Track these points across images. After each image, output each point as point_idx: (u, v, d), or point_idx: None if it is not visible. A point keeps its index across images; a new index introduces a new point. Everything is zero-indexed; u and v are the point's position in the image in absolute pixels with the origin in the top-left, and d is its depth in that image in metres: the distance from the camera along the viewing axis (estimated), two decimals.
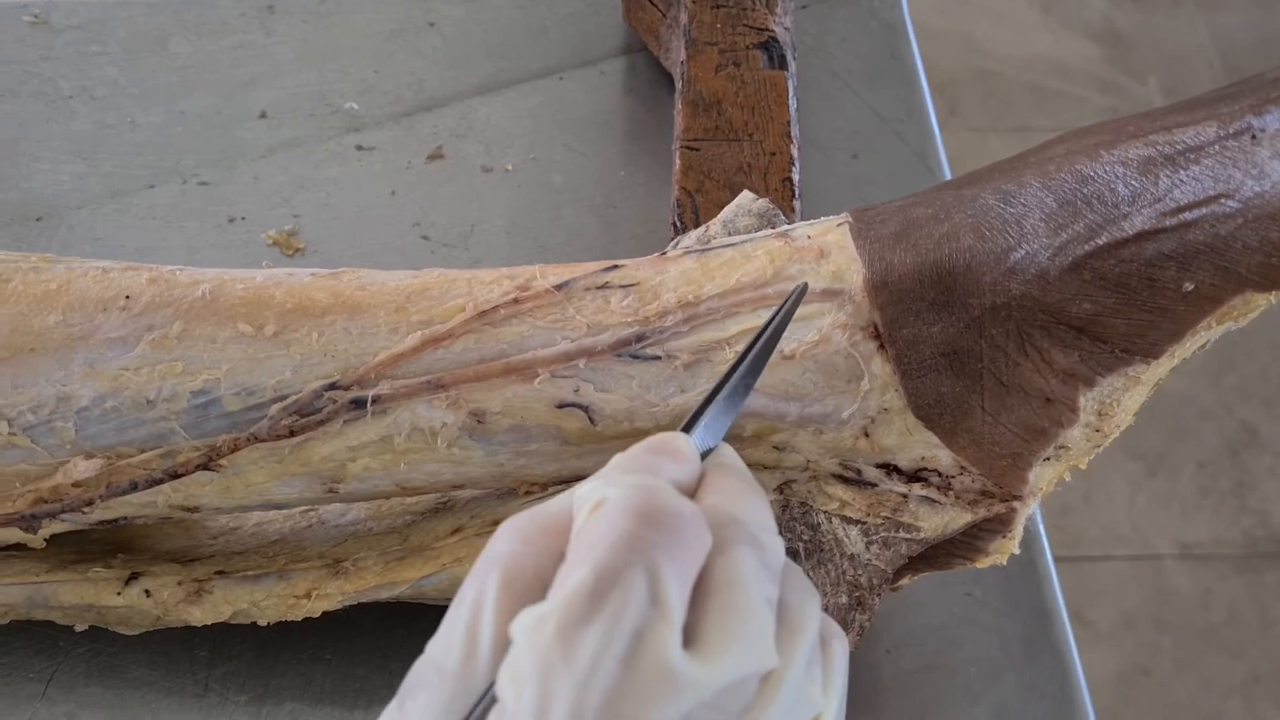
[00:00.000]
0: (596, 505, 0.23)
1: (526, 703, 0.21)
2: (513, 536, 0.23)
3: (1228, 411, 1.31)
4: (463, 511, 0.35)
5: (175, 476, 0.32)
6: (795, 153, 0.42)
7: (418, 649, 0.39)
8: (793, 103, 0.43)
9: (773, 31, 0.45)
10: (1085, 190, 0.27)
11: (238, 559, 0.35)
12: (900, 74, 0.54)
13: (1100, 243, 0.27)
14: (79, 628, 0.36)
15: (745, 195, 0.39)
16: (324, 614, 0.39)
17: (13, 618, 0.36)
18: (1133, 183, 0.27)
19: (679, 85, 0.45)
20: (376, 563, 0.34)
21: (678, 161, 0.42)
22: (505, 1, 0.56)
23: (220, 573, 0.35)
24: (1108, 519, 1.25)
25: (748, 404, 0.32)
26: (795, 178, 0.41)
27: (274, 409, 0.32)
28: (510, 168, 0.51)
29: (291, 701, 0.39)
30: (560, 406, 0.32)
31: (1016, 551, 0.32)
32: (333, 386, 0.32)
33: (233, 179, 0.50)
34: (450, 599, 0.34)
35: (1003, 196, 0.28)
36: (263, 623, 0.35)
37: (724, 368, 0.31)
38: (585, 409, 0.32)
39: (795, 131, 0.43)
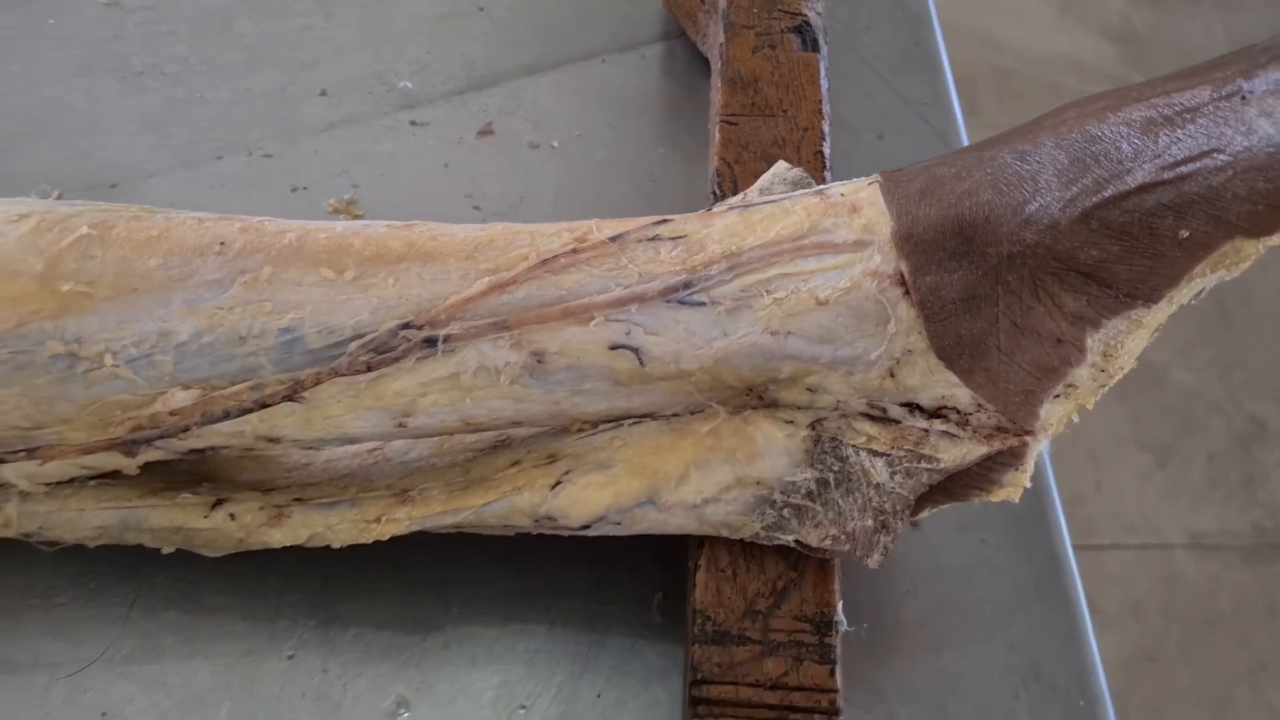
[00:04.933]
0: None
1: None
2: None
3: (1237, 406, 1.34)
4: (520, 447, 0.38)
5: (263, 406, 0.35)
6: (826, 128, 0.45)
7: (472, 583, 0.43)
8: (824, 83, 0.47)
9: (806, 16, 0.48)
10: (1093, 148, 0.30)
11: (312, 489, 0.39)
12: (925, 61, 0.57)
13: (1106, 195, 0.30)
14: (165, 550, 0.39)
15: (780, 164, 0.42)
16: (385, 548, 0.42)
17: (105, 540, 0.39)
18: (1135, 141, 0.30)
19: (717, 65, 0.48)
20: (441, 492, 0.37)
21: (717, 135, 0.45)
22: None
23: (297, 500, 0.38)
24: (1118, 508, 1.27)
25: (786, 348, 0.35)
26: (826, 151, 0.45)
27: (353, 346, 0.35)
28: (556, 144, 0.54)
29: (356, 627, 0.42)
30: (612, 348, 0.35)
31: (1028, 485, 0.35)
32: (406, 326, 0.35)
33: (295, 152, 0.54)
34: (508, 525, 0.38)
35: (1019, 155, 0.31)
36: (335, 545, 0.38)
37: (764, 313, 0.34)
38: (635, 350, 0.35)
39: (826, 109, 0.46)
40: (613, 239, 0.35)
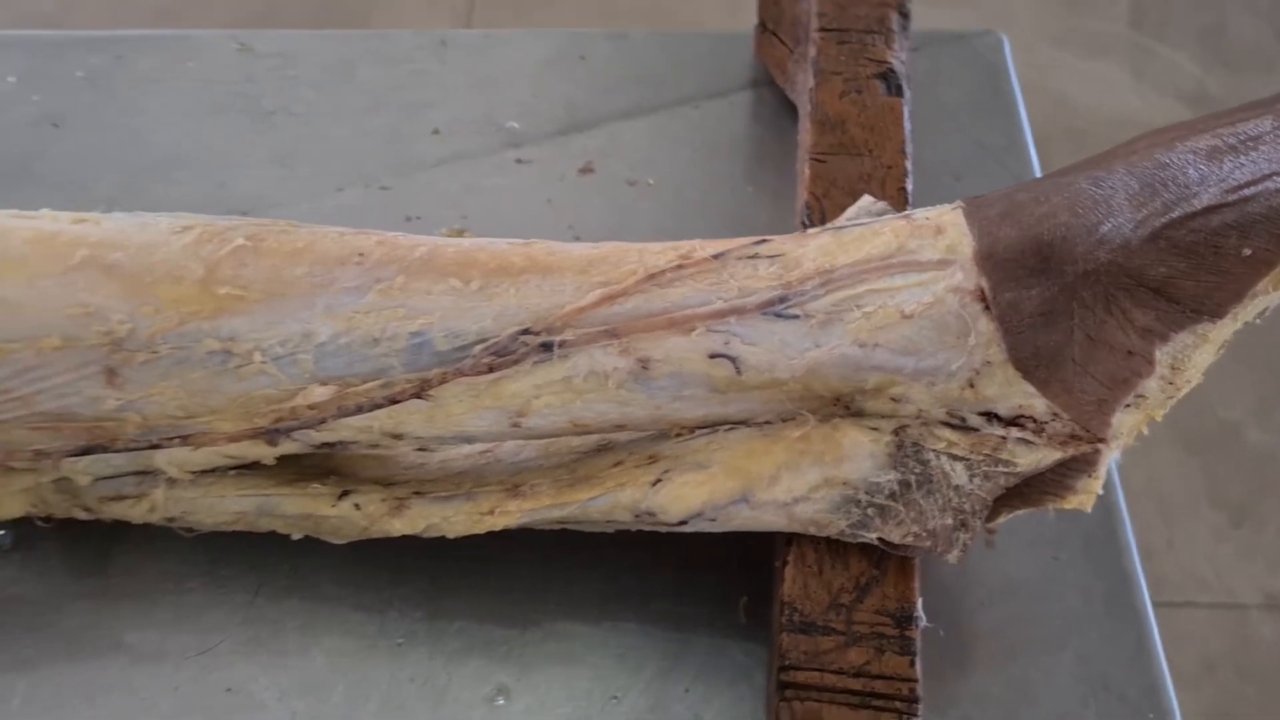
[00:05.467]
0: None
1: None
2: None
3: None
4: (622, 450, 0.41)
5: (392, 403, 0.39)
6: (908, 166, 0.48)
7: (569, 583, 0.46)
8: (907, 125, 0.50)
9: (890, 64, 0.51)
10: (1162, 174, 0.33)
11: (429, 485, 0.42)
12: (1001, 109, 0.60)
13: (1174, 216, 0.32)
14: (295, 536, 0.43)
15: (866, 198, 0.45)
16: (488, 550, 0.46)
17: (241, 526, 0.43)
18: (1201, 166, 0.32)
19: (807, 109, 0.51)
20: (550, 487, 0.41)
21: (806, 171, 0.48)
22: (648, 40, 0.64)
23: (416, 493, 0.41)
24: (1191, 566, 1.27)
25: (873, 359, 0.38)
26: (909, 187, 0.48)
27: (476, 349, 0.39)
28: (652, 182, 0.58)
29: (460, 620, 0.45)
30: (712, 356, 0.38)
31: (1100, 492, 0.38)
32: (525, 332, 0.38)
33: (409, 185, 0.58)
34: (610, 520, 0.41)
35: (1094, 180, 0.34)
36: (450, 535, 0.41)
37: (853, 326, 0.37)
38: (733, 360, 0.38)
39: (909, 149, 0.49)
40: (715, 256, 0.38)
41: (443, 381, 0.39)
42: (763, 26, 0.59)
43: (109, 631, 0.45)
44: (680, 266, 0.38)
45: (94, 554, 0.47)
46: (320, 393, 0.39)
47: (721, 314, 0.38)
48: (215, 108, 0.61)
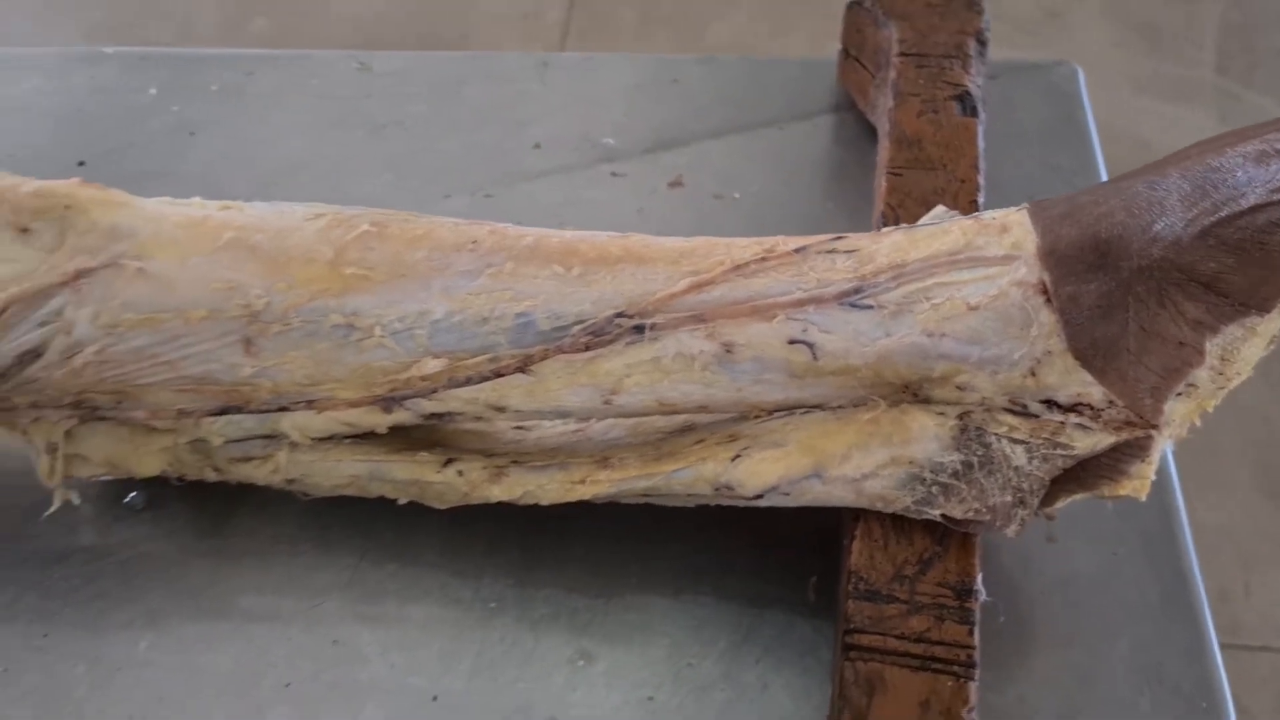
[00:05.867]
0: None
1: None
2: None
3: None
4: (703, 430, 0.45)
5: (499, 376, 0.43)
6: (980, 181, 0.51)
7: (648, 558, 0.49)
8: (980, 144, 0.53)
9: (966, 87, 0.55)
10: (1213, 176, 0.36)
11: (526, 455, 0.46)
12: (1074, 134, 0.63)
13: (1222, 215, 0.35)
14: (401, 501, 0.47)
15: (939, 208, 0.48)
16: (575, 524, 0.49)
17: (353, 490, 0.47)
18: (1249, 169, 0.35)
19: (886, 127, 0.55)
20: (636, 460, 0.44)
21: (883, 183, 0.52)
22: (737, 65, 0.68)
23: (515, 462, 0.45)
24: (1267, 611, 1.26)
25: (940, 348, 0.41)
26: (980, 200, 0.51)
27: (575, 329, 0.42)
28: (737, 196, 0.62)
29: (547, 589, 0.49)
30: (791, 343, 0.42)
31: (1153, 478, 0.40)
32: (620, 315, 0.42)
33: (512, 194, 0.62)
34: (691, 493, 0.44)
35: (1149, 184, 0.37)
36: (544, 502, 0.45)
37: (922, 316, 0.40)
38: (810, 346, 0.41)
39: (981, 165, 0.52)
40: (796, 250, 0.42)
41: (544, 358, 0.42)
42: (846, 53, 0.62)
43: (228, 587, 0.50)
44: (764, 259, 0.42)
45: (215, 517, 0.51)
46: (433, 365, 0.43)
47: (801, 303, 0.41)
48: (335, 120, 0.66)
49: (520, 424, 0.47)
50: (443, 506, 0.46)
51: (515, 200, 0.62)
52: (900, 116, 0.54)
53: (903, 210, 0.51)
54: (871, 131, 0.64)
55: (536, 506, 0.46)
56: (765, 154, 0.64)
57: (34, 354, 0.44)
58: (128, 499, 0.52)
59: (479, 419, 0.45)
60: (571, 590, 0.49)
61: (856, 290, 0.41)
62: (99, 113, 0.66)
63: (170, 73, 0.68)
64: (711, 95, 0.66)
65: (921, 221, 0.47)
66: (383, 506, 0.49)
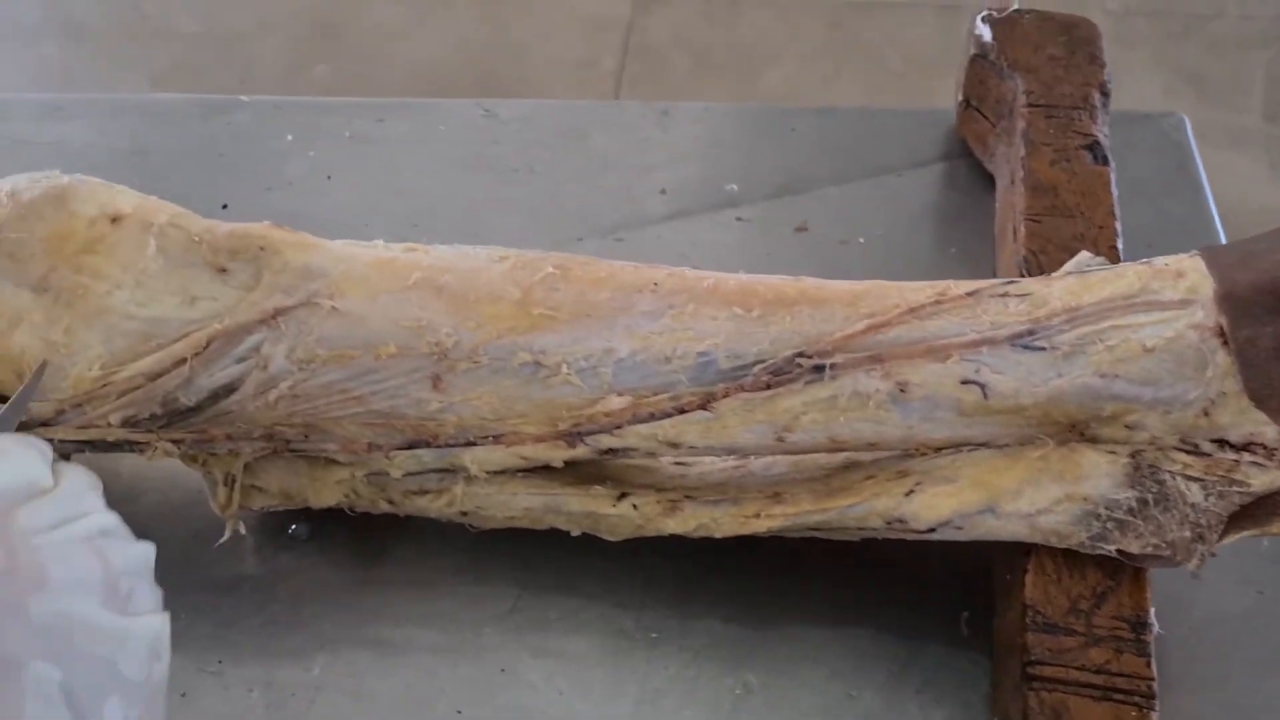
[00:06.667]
0: None
1: None
2: None
3: None
4: (870, 466, 0.46)
5: (681, 412, 0.44)
6: (1118, 228, 0.53)
7: (806, 593, 0.50)
8: (1114, 191, 0.55)
9: (1096, 136, 0.57)
10: None
11: (696, 490, 0.48)
12: (1187, 184, 0.65)
13: None
14: (574, 533, 0.49)
15: (1084, 254, 0.50)
16: (730, 560, 0.51)
17: (526, 522, 0.49)
18: None
19: (1019, 175, 0.57)
20: (808, 496, 0.46)
21: (1022, 229, 0.54)
22: (856, 116, 0.70)
23: (688, 497, 0.47)
24: None
25: (1112, 389, 0.42)
26: (1119, 246, 0.52)
27: (755, 369, 0.44)
28: (862, 241, 0.64)
29: (707, 620, 0.50)
30: (963, 383, 0.43)
31: None
32: (800, 355, 0.44)
33: (641, 238, 0.65)
34: (863, 527, 0.46)
35: None
36: (718, 535, 0.47)
37: (1096, 358, 0.42)
38: (982, 386, 0.43)
39: (1118, 212, 0.54)
40: (969, 294, 0.44)
41: (725, 396, 0.44)
42: (967, 103, 0.65)
43: (394, 616, 0.51)
44: (938, 302, 0.44)
45: (377, 549, 0.53)
46: (617, 402, 0.45)
47: (975, 344, 0.43)
48: (464, 165, 0.68)
49: (680, 459, 0.49)
50: (614, 539, 0.48)
51: (645, 243, 0.64)
52: (1034, 165, 0.56)
53: (1044, 256, 0.52)
54: (985, 179, 0.66)
55: (688, 540, 0.48)
56: (885, 200, 0.66)
57: (229, 388, 0.46)
58: (291, 530, 0.53)
59: (650, 454, 0.46)
60: (729, 621, 0.50)
61: (1030, 332, 0.43)
62: (239, 158, 0.68)
63: (305, 119, 0.70)
64: (829, 143, 0.69)
65: (1066, 266, 0.49)
66: (537, 541, 0.50)
